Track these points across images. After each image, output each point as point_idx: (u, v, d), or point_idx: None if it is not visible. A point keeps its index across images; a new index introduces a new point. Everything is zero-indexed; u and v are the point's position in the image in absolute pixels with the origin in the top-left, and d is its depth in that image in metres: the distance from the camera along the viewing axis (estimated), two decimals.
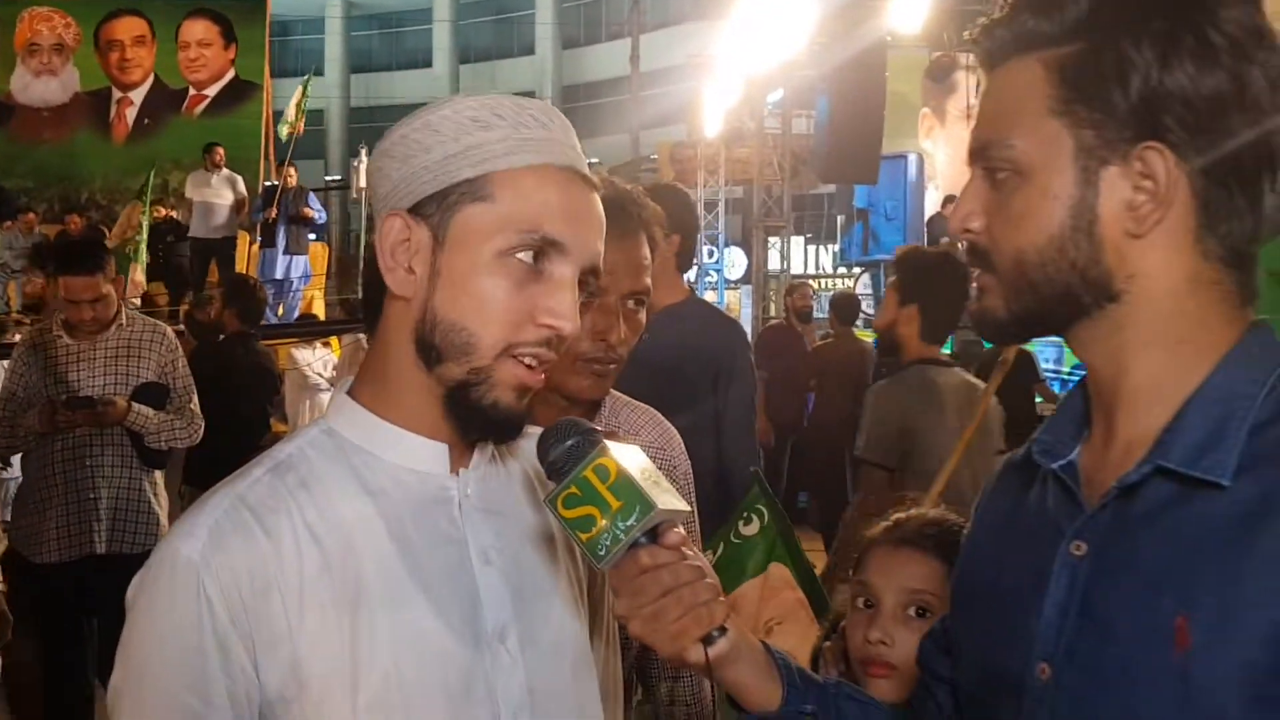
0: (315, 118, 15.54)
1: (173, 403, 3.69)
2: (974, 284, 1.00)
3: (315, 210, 11.32)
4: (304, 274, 11.53)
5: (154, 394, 3.62)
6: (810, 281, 13.47)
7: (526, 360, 0.99)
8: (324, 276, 13.00)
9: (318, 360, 9.12)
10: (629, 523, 0.95)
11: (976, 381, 3.20)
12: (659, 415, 1.66)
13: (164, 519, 3.67)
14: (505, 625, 1.02)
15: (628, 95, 25.20)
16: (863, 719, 1.08)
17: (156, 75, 13.70)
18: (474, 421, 1.01)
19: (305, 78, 12.97)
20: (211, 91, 12.93)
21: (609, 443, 0.98)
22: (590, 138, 29.85)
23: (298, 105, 12.36)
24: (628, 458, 0.98)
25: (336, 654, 0.95)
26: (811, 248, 19.09)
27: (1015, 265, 0.93)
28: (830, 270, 17.84)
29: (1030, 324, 0.96)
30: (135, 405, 3.56)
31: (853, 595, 1.43)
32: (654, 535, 0.97)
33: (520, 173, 0.99)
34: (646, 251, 1.48)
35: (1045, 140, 0.90)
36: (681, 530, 1.00)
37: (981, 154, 0.94)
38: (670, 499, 0.98)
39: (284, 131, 12.36)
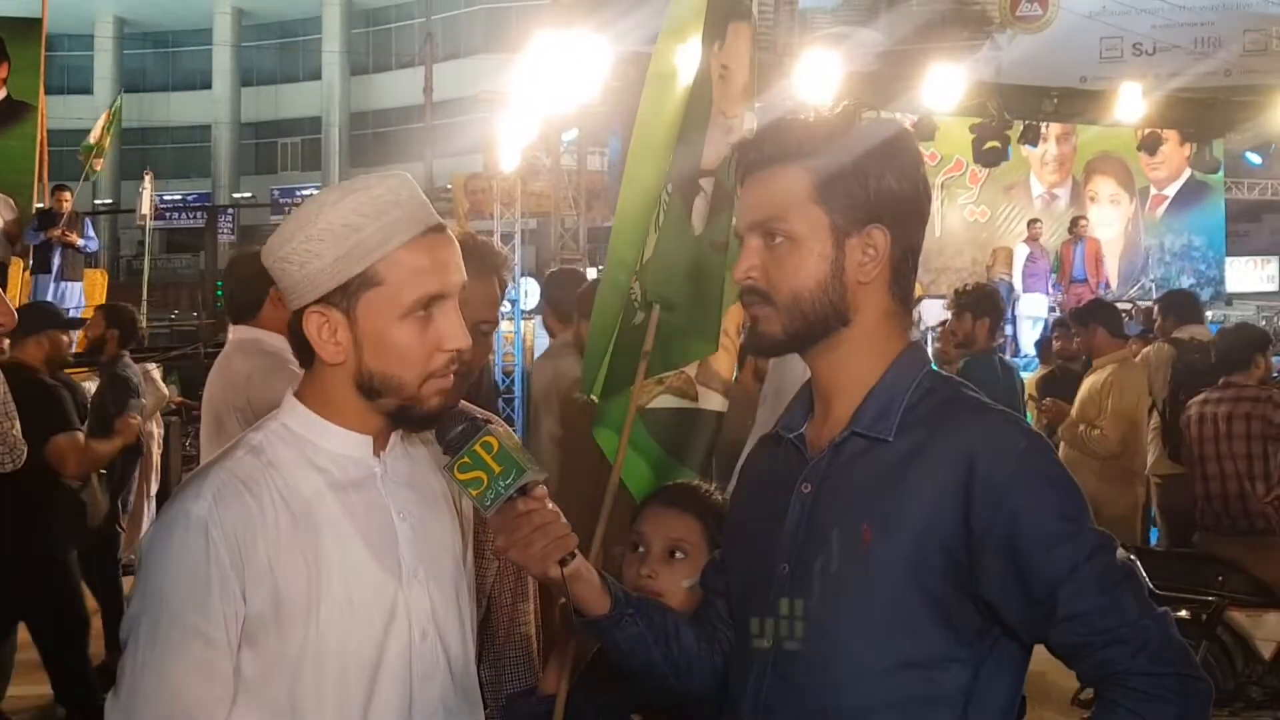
0: (82, 138, 14.85)
1: None
2: (750, 315, 1.44)
3: (83, 240, 10.89)
4: (78, 304, 11.07)
5: None
6: None
7: (440, 375, 1.36)
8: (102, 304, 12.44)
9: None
10: (507, 482, 1.36)
11: None
12: (501, 420, 2.05)
13: None
14: (416, 565, 1.41)
15: (420, 125, 25.17)
16: (665, 620, 1.51)
17: None
18: (413, 424, 1.40)
19: (115, 102, 12.45)
20: None
21: (491, 426, 1.38)
22: (382, 165, 29.47)
23: (104, 129, 11.86)
24: (505, 438, 1.39)
25: (303, 585, 1.31)
26: None
27: (793, 300, 1.38)
28: None
29: (799, 341, 1.41)
30: None
31: (631, 543, 1.87)
32: (524, 490, 1.38)
33: (394, 255, 1.31)
34: (497, 289, 1.87)
35: (811, 220, 1.36)
36: (544, 487, 1.41)
37: (761, 226, 1.38)
38: (535, 466, 1.39)
39: (89, 160, 11.86)
